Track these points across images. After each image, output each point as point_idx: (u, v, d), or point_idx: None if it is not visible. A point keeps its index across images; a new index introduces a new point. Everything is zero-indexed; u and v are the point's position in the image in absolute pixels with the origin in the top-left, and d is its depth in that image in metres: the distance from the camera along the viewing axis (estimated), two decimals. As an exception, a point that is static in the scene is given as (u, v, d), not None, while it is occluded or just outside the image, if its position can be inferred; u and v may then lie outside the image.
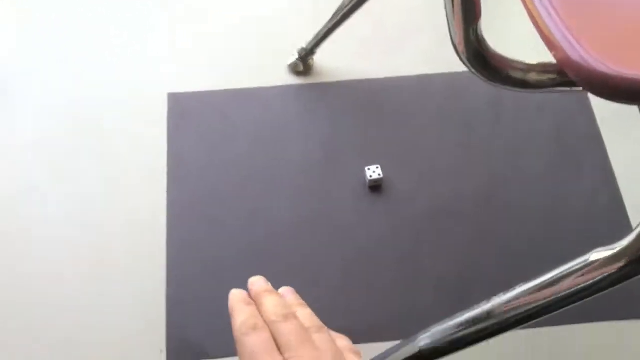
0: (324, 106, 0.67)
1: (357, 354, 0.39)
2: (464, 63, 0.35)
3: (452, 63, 0.67)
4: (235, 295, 0.42)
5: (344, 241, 0.59)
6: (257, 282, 0.43)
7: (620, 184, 0.61)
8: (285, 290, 0.44)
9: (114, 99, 0.68)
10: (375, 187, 0.62)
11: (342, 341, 0.41)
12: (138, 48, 0.71)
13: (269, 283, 0.43)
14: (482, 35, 0.35)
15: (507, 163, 0.63)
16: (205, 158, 0.64)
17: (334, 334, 0.41)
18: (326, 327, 0.40)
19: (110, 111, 0.67)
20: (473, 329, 0.38)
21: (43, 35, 0.71)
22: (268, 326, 0.39)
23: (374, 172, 0.62)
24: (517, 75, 0.35)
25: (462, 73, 0.69)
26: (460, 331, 0.39)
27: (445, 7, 0.34)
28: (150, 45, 0.71)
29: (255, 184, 0.62)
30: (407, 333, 0.54)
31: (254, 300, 0.42)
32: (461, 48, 0.34)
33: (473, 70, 0.35)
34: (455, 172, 0.63)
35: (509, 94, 0.66)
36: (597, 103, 0.64)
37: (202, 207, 0.61)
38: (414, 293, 0.56)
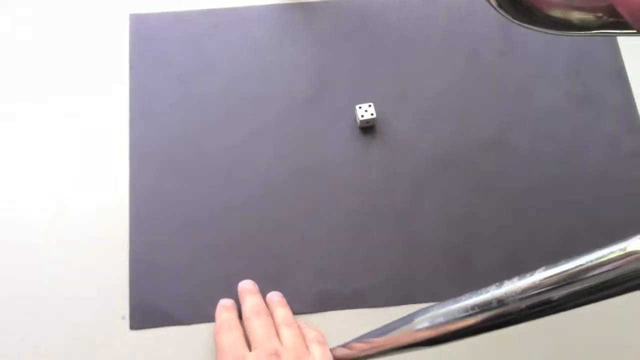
0: (310, 30, 0.58)
1: (323, 344, 0.44)
2: (488, 2, 0.27)
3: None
4: (221, 303, 0.47)
5: (333, 194, 0.52)
6: (244, 284, 0.48)
7: (647, 130, 0.54)
8: (273, 294, 0.48)
9: (65, 18, 0.58)
10: (367, 127, 0.55)
11: (312, 332, 0.45)
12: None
13: (256, 285, 0.48)
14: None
15: (517, 102, 0.55)
16: (173, 93, 0.55)
17: (306, 326, 0.46)
18: (297, 323, 0.46)
19: (61, 35, 0.58)
20: (479, 317, 0.33)
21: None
22: (244, 322, 0.45)
23: (365, 111, 0.54)
24: (557, 14, 0.27)
25: (469, -9, 0.60)
26: (463, 318, 0.33)
27: None
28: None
29: (233, 126, 0.54)
30: (400, 299, 0.49)
31: (240, 300, 0.48)
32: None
33: (499, 10, 0.27)
34: (458, 111, 0.55)
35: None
36: (624, 32, 0.56)
37: (170, 154, 0.53)
38: (409, 255, 0.51)
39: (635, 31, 0.27)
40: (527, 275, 0.31)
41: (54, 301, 0.48)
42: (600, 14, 0.28)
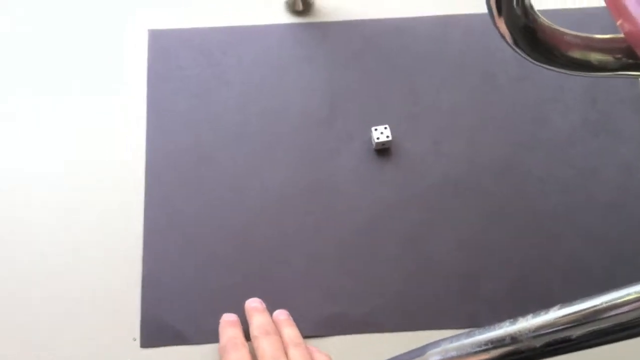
0: (326, 51, 0.58)
1: None
2: (504, 39, 0.27)
3: (476, 2, 0.58)
4: (224, 318, 0.47)
5: (344, 215, 0.52)
6: (252, 302, 0.48)
7: (664, 159, 0.53)
8: (279, 312, 0.48)
9: (86, 33, 0.59)
10: (383, 150, 0.55)
11: (322, 357, 0.44)
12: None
13: (263, 303, 0.48)
14: (530, 3, 0.27)
15: (532, 127, 0.55)
16: (189, 108, 0.56)
17: (314, 349, 0.46)
18: (304, 344, 0.45)
19: (81, 48, 0.58)
20: (491, 353, 0.33)
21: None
22: (252, 341, 0.45)
23: (381, 133, 0.54)
24: (576, 55, 0.27)
25: (486, 15, 0.60)
26: (476, 353, 0.33)
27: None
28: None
29: (245, 143, 0.55)
30: (409, 325, 0.49)
31: (247, 318, 0.47)
32: (500, 24, 0.26)
33: (517, 50, 0.27)
34: (474, 135, 0.55)
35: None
36: None
37: (183, 168, 0.54)
38: (420, 279, 0.50)
39: (655, 74, 0.27)
40: (542, 313, 0.31)
41: (64, 318, 0.49)
42: (619, 56, 0.28)
